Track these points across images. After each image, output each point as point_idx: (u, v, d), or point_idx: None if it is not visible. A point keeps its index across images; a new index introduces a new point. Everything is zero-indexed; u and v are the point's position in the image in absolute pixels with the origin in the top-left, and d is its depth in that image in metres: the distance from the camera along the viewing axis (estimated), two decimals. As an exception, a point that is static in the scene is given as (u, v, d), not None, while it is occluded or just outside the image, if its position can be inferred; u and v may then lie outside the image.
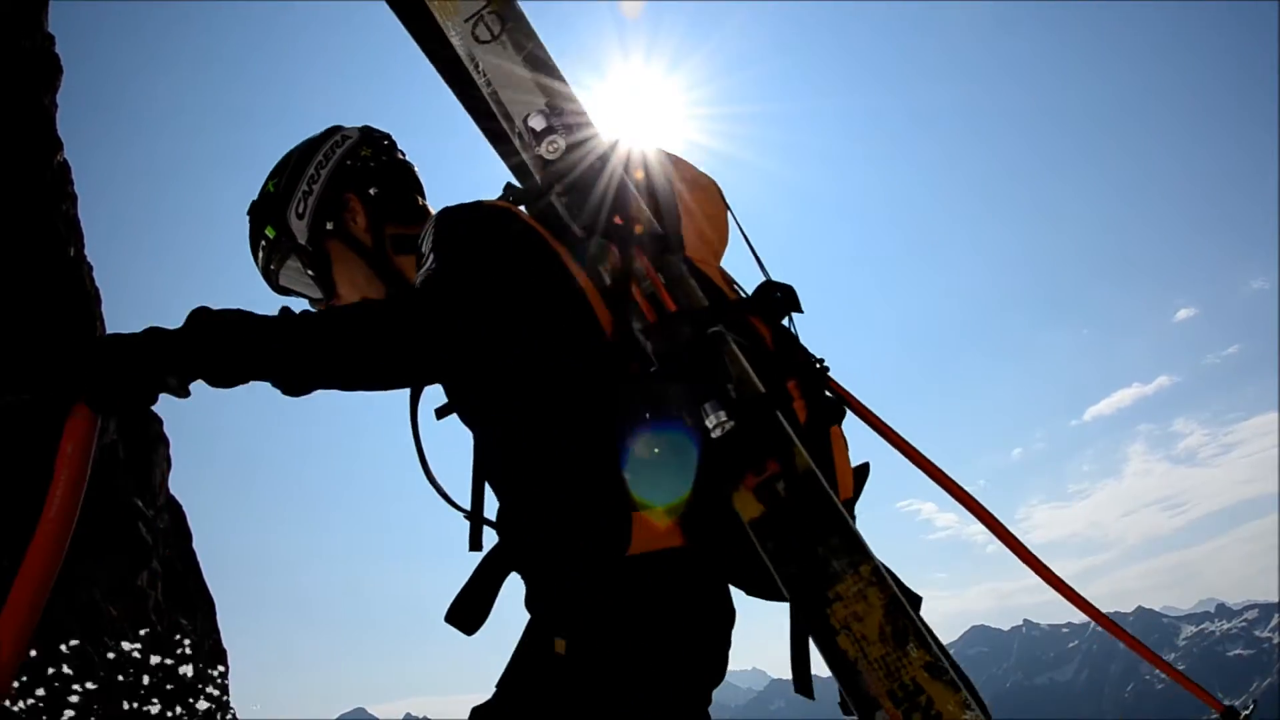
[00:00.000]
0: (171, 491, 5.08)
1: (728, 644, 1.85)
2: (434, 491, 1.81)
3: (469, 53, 1.88)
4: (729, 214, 2.07)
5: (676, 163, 2.03)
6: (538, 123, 1.82)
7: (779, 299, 1.88)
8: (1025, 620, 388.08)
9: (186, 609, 4.68)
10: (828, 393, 1.91)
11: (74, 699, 4.03)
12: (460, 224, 1.74)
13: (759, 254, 2.02)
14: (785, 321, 1.94)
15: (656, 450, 1.64)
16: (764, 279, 1.91)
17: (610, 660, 1.65)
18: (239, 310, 1.51)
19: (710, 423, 1.63)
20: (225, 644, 5.14)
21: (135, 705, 3.87)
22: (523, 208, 1.81)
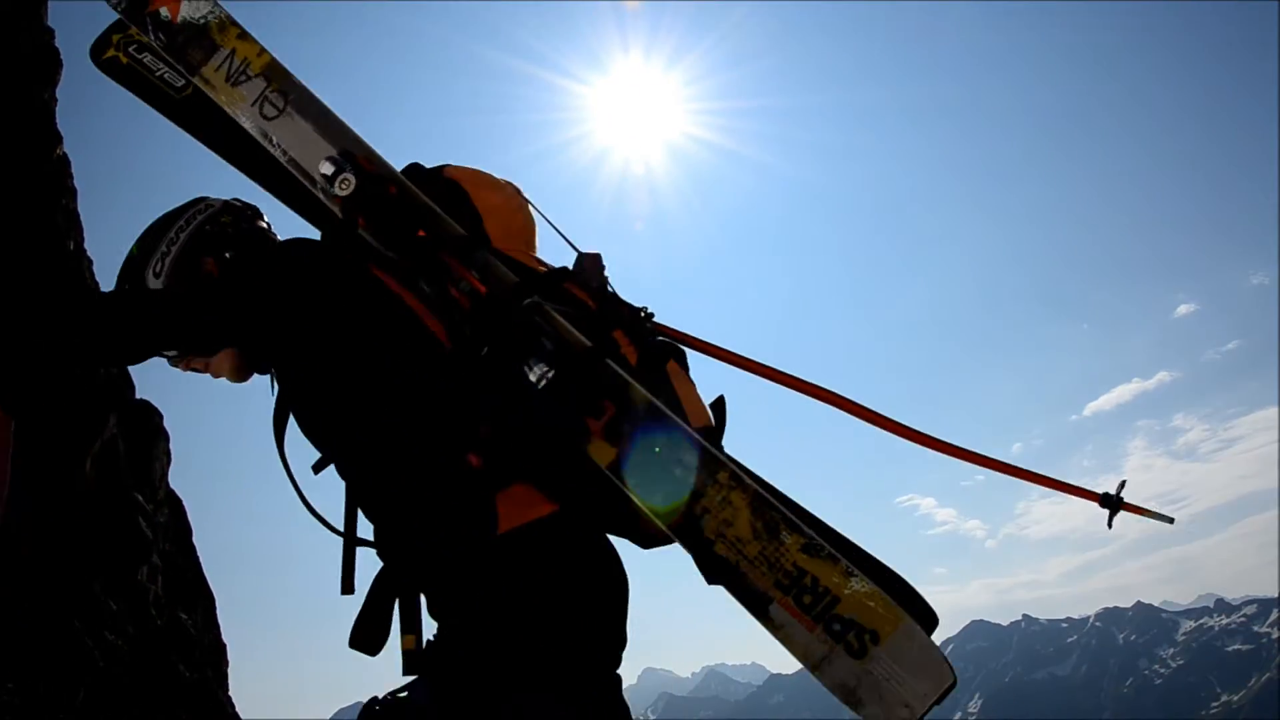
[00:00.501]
0: (171, 486, 5.12)
1: (625, 606, 1.93)
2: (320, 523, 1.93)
3: (262, 131, 2.07)
4: (530, 206, 2.21)
5: (471, 173, 2.17)
6: (327, 168, 1.97)
7: (590, 265, 2.06)
8: (1024, 615, 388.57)
9: (186, 603, 4.68)
10: (661, 338, 2.09)
11: (75, 692, 4.04)
12: (284, 257, 1.93)
13: (564, 233, 2.20)
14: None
15: (510, 427, 1.76)
16: (576, 253, 2.10)
17: (511, 638, 1.71)
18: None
19: (534, 376, 1.74)
20: (225, 638, 5.15)
21: (135, 699, 3.88)
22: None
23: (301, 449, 1.96)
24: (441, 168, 2.16)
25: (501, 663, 1.71)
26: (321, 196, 2.02)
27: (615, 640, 1.88)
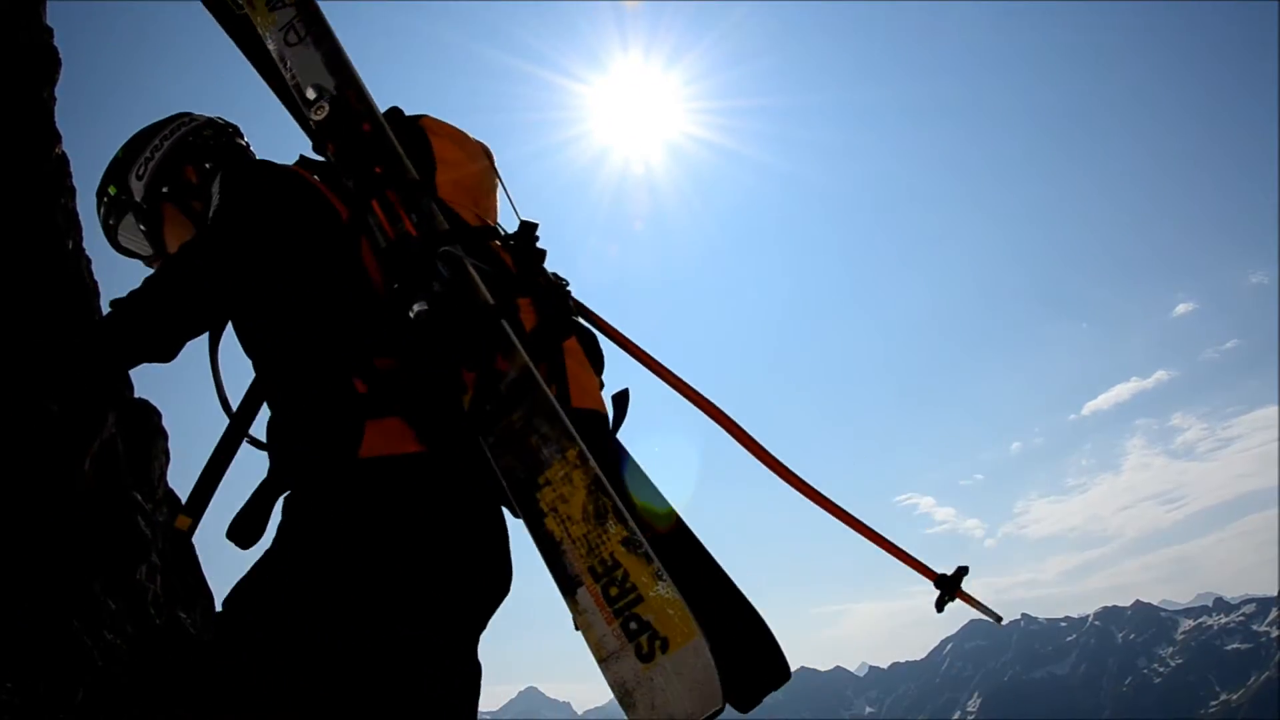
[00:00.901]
0: (170, 485, 5.11)
1: (496, 556, 2.00)
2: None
3: (280, 54, 2.29)
4: (494, 171, 2.34)
5: (442, 125, 2.29)
6: (311, 94, 2.18)
7: (525, 232, 2.21)
8: (1023, 614, 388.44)
9: (185, 602, 4.67)
10: (582, 320, 2.23)
11: (75, 692, 4.03)
12: (247, 173, 2.02)
13: (513, 200, 2.35)
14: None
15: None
16: (520, 220, 2.23)
17: (350, 566, 1.78)
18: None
19: (412, 313, 1.83)
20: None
21: (134, 698, 3.88)
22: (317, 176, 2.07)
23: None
24: (420, 116, 2.27)
25: (327, 579, 1.77)
26: (305, 122, 2.20)
27: (480, 594, 1.96)
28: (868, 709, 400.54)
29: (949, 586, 2.76)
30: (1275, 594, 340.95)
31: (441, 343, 1.83)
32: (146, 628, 4.02)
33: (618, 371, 2.33)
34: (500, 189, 2.36)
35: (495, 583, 2.02)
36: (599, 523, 1.76)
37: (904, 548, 2.65)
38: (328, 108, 2.13)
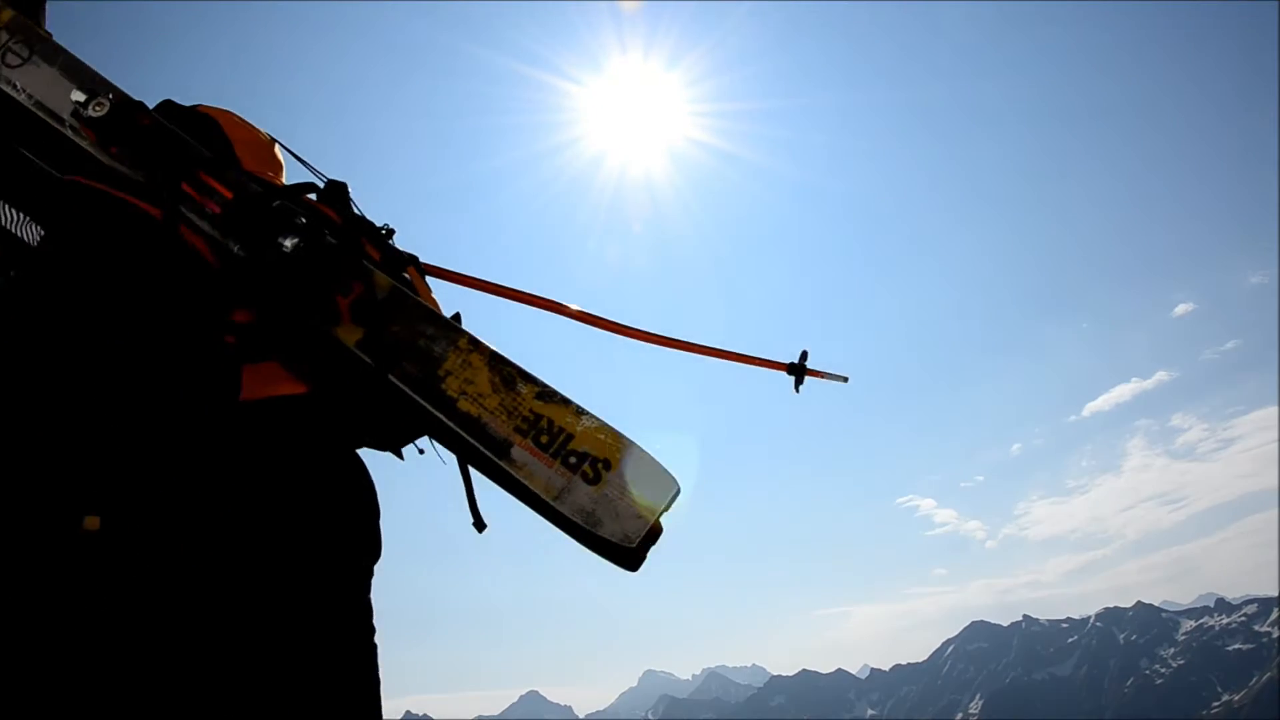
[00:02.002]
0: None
1: (368, 509, 2.03)
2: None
3: (6, 80, 2.12)
4: (278, 146, 2.40)
5: (220, 109, 2.32)
6: (79, 95, 2.07)
7: (336, 188, 2.26)
8: (1025, 616, 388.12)
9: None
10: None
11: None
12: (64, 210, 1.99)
13: (310, 164, 2.41)
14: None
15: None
16: (327, 179, 2.28)
17: (232, 503, 1.79)
18: None
19: (287, 246, 1.89)
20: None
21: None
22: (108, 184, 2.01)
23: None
24: (195, 106, 2.29)
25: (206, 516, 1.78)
26: (70, 134, 2.07)
27: (356, 544, 1.97)
28: (869, 711, 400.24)
29: (799, 371, 3.17)
30: (1276, 594, 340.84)
31: (316, 271, 1.91)
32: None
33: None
34: (291, 162, 2.45)
35: (369, 523, 2.05)
36: (509, 388, 1.91)
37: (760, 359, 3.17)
38: (107, 104, 2.05)
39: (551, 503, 1.84)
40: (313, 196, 2.21)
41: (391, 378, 1.92)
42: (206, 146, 2.11)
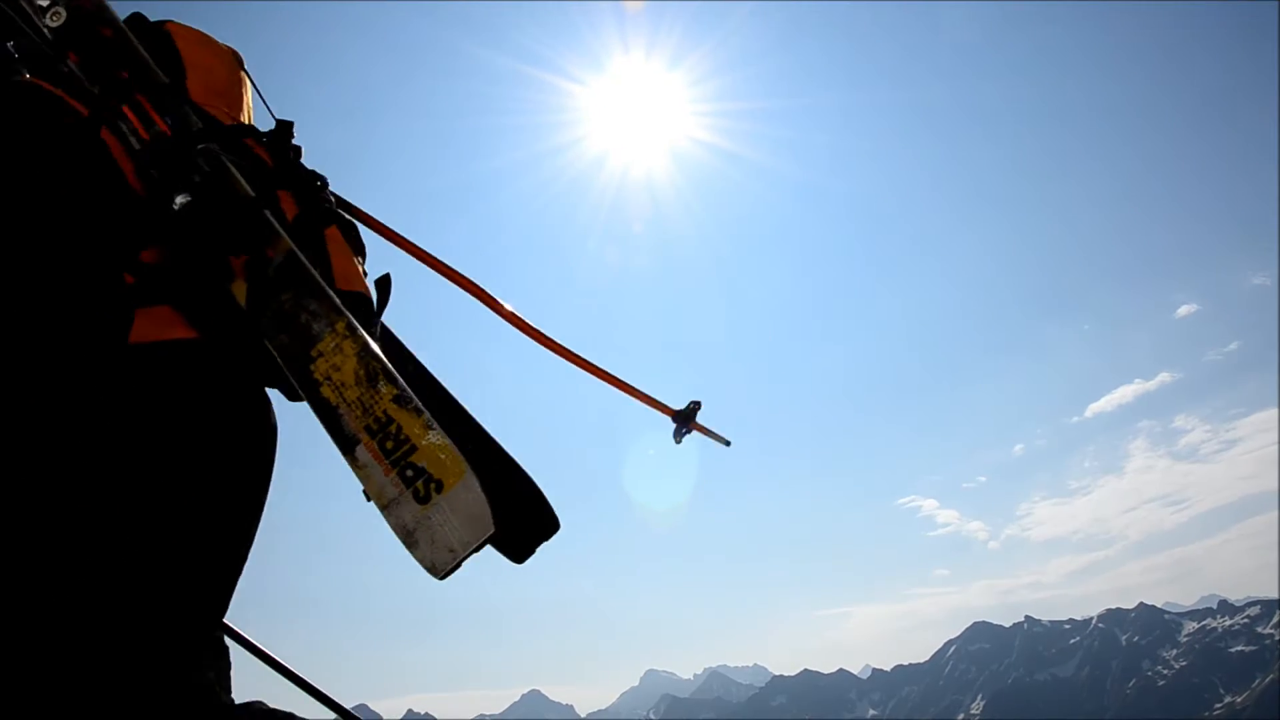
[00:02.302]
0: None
1: (261, 438, 2.05)
2: None
3: None
4: (244, 75, 2.43)
5: (189, 30, 2.34)
6: (42, 1, 2.07)
7: (280, 130, 2.26)
8: (1027, 616, 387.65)
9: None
10: (346, 215, 2.32)
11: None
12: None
13: (266, 101, 2.45)
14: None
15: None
16: (276, 120, 2.28)
17: (120, 448, 1.81)
18: None
19: (176, 204, 1.89)
20: (227, 640, 5.10)
21: (138, 701, 3.84)
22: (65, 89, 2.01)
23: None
24: (165, 21, 2.30)
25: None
26: (36, 38, 2.08)
27: (231, 475, 1.98)
28: (871, 711, 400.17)
29: (684, 419, 3.13)
30: (1278, 596, 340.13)
31: (205, 232, 1.91)
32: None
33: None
34: (253, 92, 2.45)
35: (260, 463, 2.06)
36: (371, 385, 1.89)
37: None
38: (64, 13, 2.05)
39: (381, 510, 1.84)
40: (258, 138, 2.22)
41: (268, 344, 1.93)
42: (164, 69, 2.10)
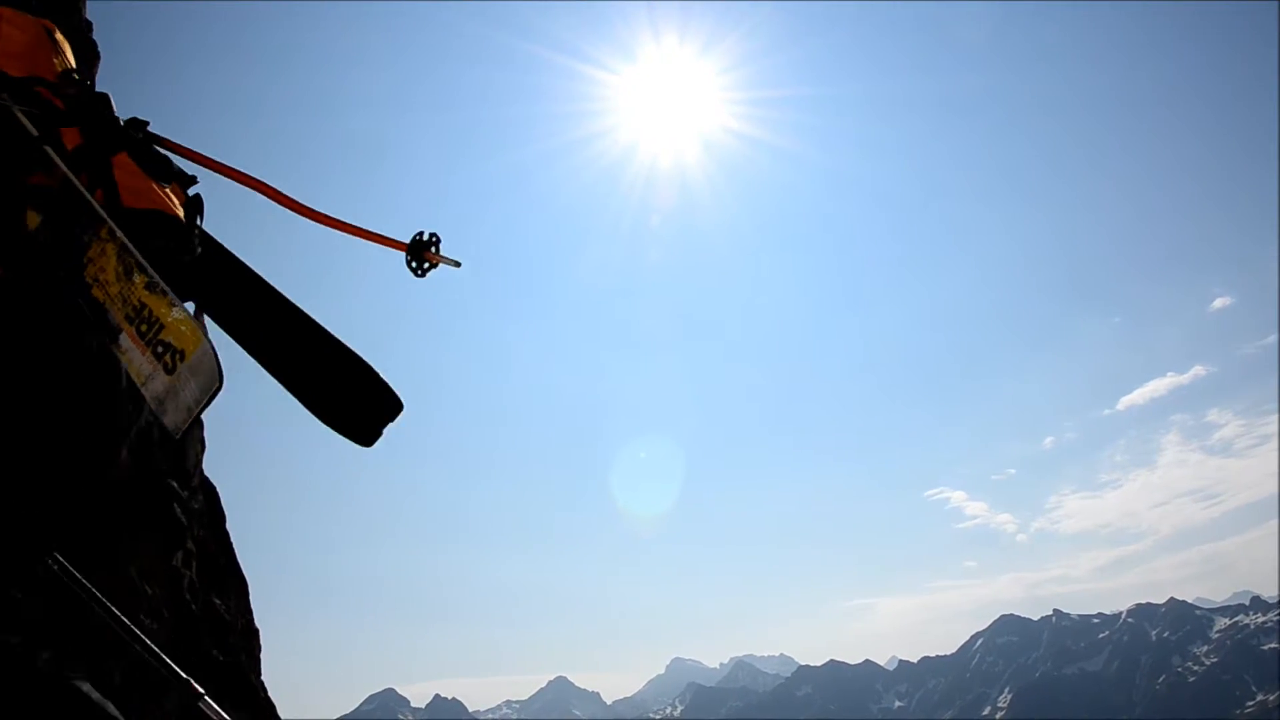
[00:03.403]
0: (206, 473, 5.14)
1: (80, 375, 2.11)
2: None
3: None
4: (50, 36, 2.61)
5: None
6: None
7: (65, 78, 2.49)
8: (1055, 610, 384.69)
9: (220, 589, 4.74)
10: (158, 149, 2.56)
11: (111, 675, 4.09)
12: None
13: (71, 60, 2.59)
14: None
15: None
16: (86, 80, 2.52)
17: None
18: None
19: None
20: (257, 623, 5.20)
21: (169, 682, 3.92)
22: None
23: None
24: None
25: None
26: None
27: (77, 443, 2.09)
28: (897, 703, 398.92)
29: (417, 250, 3.30)
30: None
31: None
32: (182, 613, 4.07)
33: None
34: (65, 52, 2.65)
35: (82, 404, 2.15)
36: (128, 278, 2.13)
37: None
38: None
39: (140, 388, 2.06)
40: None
41: (53, 263, 2.10)
42: None
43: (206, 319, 2.50)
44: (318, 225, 3.22)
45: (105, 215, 2.19)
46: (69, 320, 2.20)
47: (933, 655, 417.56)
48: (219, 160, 2.88)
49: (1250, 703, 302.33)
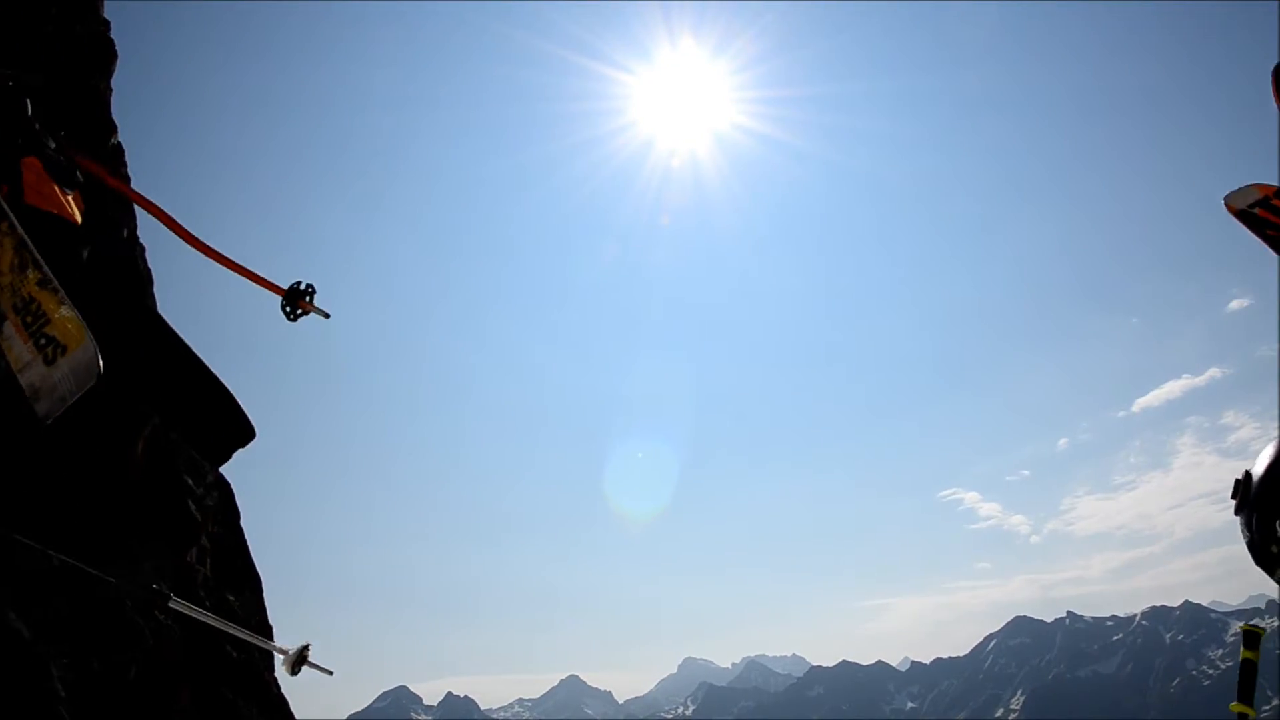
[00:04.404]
0: (220, 470, 5.14)
1: None
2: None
3: None
4: None
5: None
6: None
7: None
8: (1069, 612, 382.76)
9: (234, 586, 4.76)
10: (53, 152, 2.69)
11: (127, 670, 4.10)
12: None
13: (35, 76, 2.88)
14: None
15: None
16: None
17: None
18: None
19: None
20: (271, 620, 5.22)
21: (183, 677, 3.95)
22: None
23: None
24: None
25: None
26: None
27: None
28: (909, 704, 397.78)
29: (293, 297, 3.46)
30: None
31: None
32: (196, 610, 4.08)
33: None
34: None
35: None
36: (21, 271, 2.23)
37: None
38: None
39: (16, 374, 2.19)
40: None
41: None
42: None
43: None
44: (203, 257, 3.40)
45: (8, 211, 2.31)
46: None
47: (945, 656, 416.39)
48: (118, 179, 3.02)
49: (1266, 707, 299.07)
